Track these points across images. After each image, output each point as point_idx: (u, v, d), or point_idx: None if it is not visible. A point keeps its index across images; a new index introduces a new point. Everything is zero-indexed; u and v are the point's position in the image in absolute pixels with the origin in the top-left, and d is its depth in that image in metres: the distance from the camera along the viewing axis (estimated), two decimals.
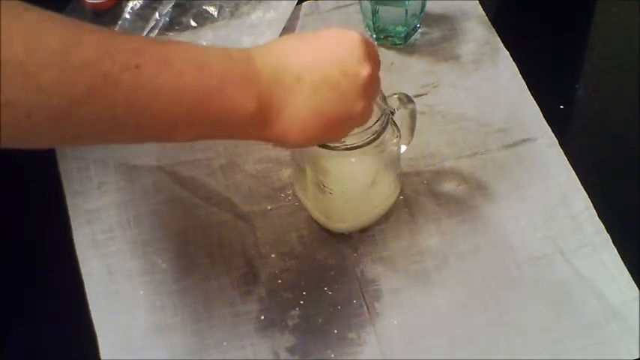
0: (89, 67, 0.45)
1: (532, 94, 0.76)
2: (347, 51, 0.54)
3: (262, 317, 0.65)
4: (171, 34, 0.79)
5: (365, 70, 0.54)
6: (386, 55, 0.80)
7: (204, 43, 0.78)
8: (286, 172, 0.72)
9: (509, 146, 0.73)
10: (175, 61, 0.49)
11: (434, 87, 0.77)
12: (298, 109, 0.53)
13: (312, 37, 0.56)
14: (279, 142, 0.55)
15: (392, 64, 0.79)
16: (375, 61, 0.56)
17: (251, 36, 0.78)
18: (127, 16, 0.79)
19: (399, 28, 0.78)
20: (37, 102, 0.43)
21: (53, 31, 0.44)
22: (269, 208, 0.71)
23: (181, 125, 0.50)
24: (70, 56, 0.44)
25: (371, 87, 0.55)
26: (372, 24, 0.79)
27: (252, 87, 0.52)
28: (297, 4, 0.82)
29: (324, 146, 0.60)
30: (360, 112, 0.55)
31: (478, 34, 0.81)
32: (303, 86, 0.53)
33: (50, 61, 0.43)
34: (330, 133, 0.56)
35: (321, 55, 0.54)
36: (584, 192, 0.70)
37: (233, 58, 0.52)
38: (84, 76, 0.45)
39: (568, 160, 0.72)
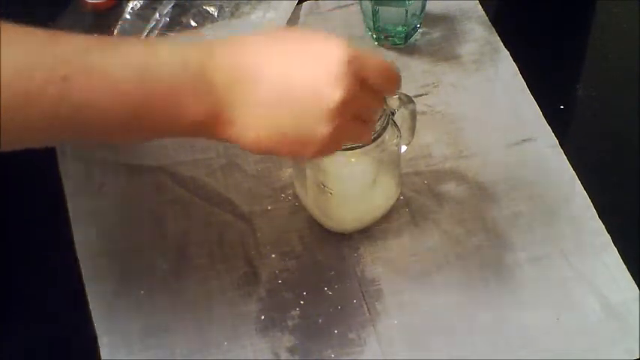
0: (5, 86, 0.43)
1: (532, 94, 0.76)
2: (323, 65, 0.48)
3: (262, 317, 0.65)
4: (171, 34, 0.79)
5: (336, 94, 0.47)
6: (386, 55, 0.80)
7: None
8: (286, 172, 0.72)
9: (509, 146, 0.73)
10: (113, 68, 0.46)
11: (434, 87, 0.77)
12: (252, 118, 0.49)
13: (291, 38, 0.51)
14: (235, 143, 0.51)
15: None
16: (359, 85, 0.49)
17: None
18: (127, 16, 0.79)
19: (400, 28, 0.78)
20: None
21: None
22: (269, 208, 0.71)
23: (116, 133, 0.49)
24: None
25: (342, 114, 0.48)
26: (372, 24, 0.79)
27: (202, 97, 0.48)
28: (298, 4, 0.82)
29: None
30: (320, 139, 0.49)
31: (478, 34, 0.81)
32: (260, 94, 0.48)
33: None
34: (287, 149, 0.50)
35: (291, 63, 0.49)
36: (584, 192, 0.70)
37: (186, 62, 0.48)
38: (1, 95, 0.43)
39: (568, 160, 0.72)
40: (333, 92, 0.48)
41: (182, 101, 0.48)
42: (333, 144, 0.50)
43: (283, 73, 0.48)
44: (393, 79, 0.53)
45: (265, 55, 0.49)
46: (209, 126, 0.50)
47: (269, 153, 0.51)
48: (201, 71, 0.49)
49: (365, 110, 0.53)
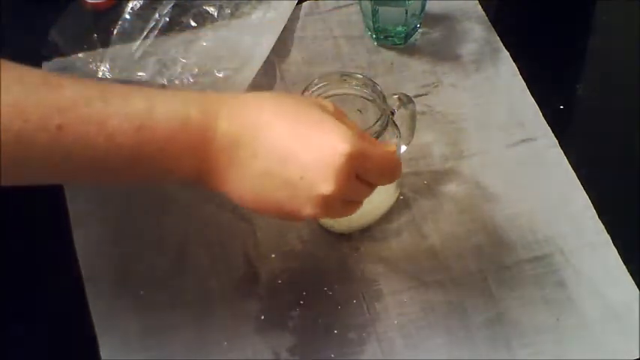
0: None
1: (532, 94, 0.76)
2: (324, 156, 0.48)
3: (262, 317, 0.65)
4: (171, 34, 0.79)
5: (325, 188, 0.49)
6: (386, 55, 0.80)
7: (205, 44, 0.78)
8: None
9: (509, 146, 0.73)
10: (111, 121, 0.47)
11: (434, 87, 0.77)
12: (243, 183, 0.50)
13: (303, 115, 0.51)
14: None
15: (392, 64, 0.79)
16: (354, 178, 0.50)
17: (251, 36, 0.78)
18: (127, 16, 0.79)
19: (399, 28, 0.78)
20: None
21: None
22: None
23: (108, 180, 0.50)
24: None
25: (328, 206, 0.50)
26: (372, 24, 0.79)
27: (197, 155, 0.49)
28: (297, 4, 0.82)
29: None
30: (307, 215, 0.50)
31: (478, 34, 0.81)
32: (257, 165, 0.49)
33: None
34: (275, 215, 0.52)
35: (293, 143, 0.49)
36: (584, 192, 0.70)
37: (187, 121, 0.49)
38: None
39: (568, 160, 0.72)
40: (326, 184, 0.49)
41: (177, 157, 0.49)
42: (318, 217, 0.53)
43: (283, 150, 0.49)
44: (392, 174, 0.54)
45: (269, 128, 0.50)
46: (202, 183, 0.51)
47: (258, 213, 0.53)
48: (201, 132, 0.49)
49: (355, 197, 0.53)
